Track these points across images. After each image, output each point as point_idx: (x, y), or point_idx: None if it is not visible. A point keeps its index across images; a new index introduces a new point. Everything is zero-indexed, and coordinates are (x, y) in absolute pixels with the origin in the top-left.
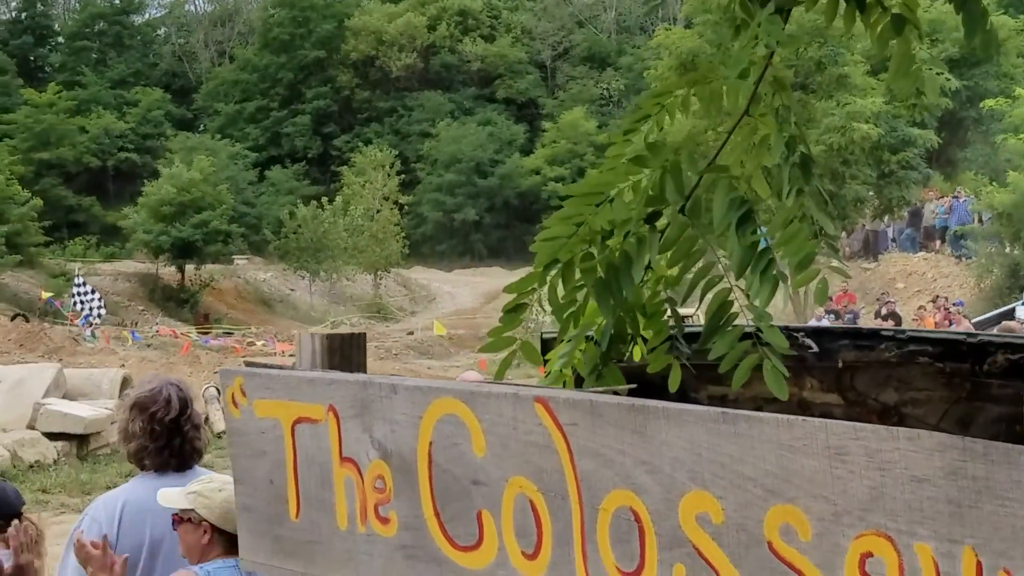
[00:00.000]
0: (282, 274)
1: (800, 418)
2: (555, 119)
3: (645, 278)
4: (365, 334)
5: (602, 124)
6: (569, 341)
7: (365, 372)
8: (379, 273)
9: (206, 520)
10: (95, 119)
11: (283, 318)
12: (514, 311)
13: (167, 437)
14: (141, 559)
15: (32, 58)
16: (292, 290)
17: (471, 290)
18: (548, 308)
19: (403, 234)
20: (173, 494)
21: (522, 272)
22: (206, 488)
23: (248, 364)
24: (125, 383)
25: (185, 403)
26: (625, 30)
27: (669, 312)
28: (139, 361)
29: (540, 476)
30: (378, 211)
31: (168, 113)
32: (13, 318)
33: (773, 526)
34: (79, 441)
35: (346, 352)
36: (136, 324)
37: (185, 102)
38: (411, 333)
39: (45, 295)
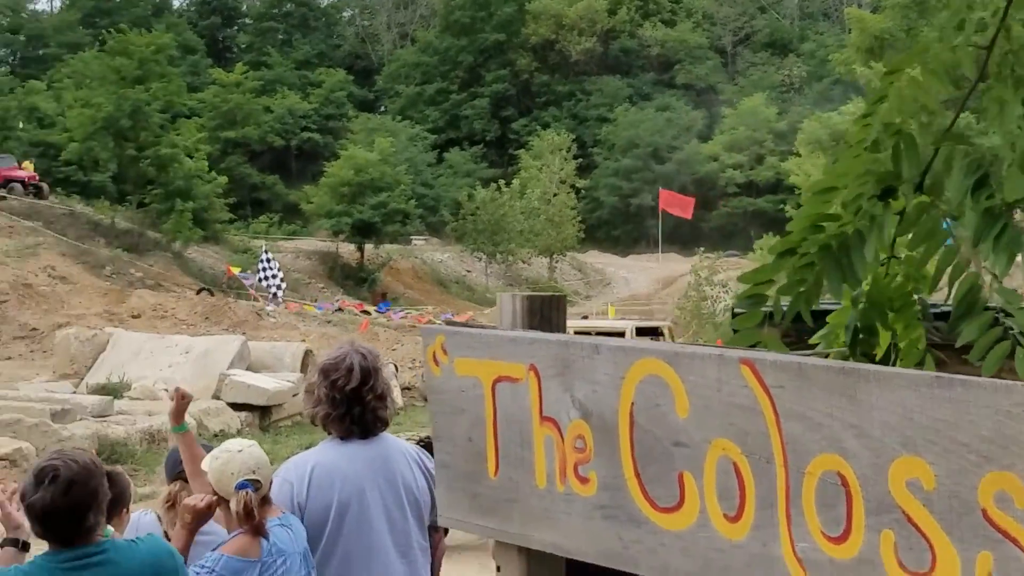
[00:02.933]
0: (459, 255)
1: (1020, 383)
2: (734, 105)
3: (887, 268)
4: (565, 296)
5: (782, 111)
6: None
7: (565, 333)
8: (554, 256)
9: (211, 485)
10: (280, 99)
11: (458, 299)
12: (753, 300)
13: (347, 405)
14: (329, 520)
15: (220, 39)
16: (468, 271)
17: (646, 275)
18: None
19: (579, 218)
20: (207, 457)
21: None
22: (214, 453)
23: (449, 323)
24: (307, 357)
25: (368, 372)
26: (808, 16)
27: (919, 305)
28: (320, 336)
29: (744, 439)
30: (555, 195)
31: (350, 94)
32: (199, 292)
33: (988, 493)
34: (261, 412)
35: (546, 313)
36: (316, 301)
37: (367, 83)
38: (585, 317)
39: (234, 269)
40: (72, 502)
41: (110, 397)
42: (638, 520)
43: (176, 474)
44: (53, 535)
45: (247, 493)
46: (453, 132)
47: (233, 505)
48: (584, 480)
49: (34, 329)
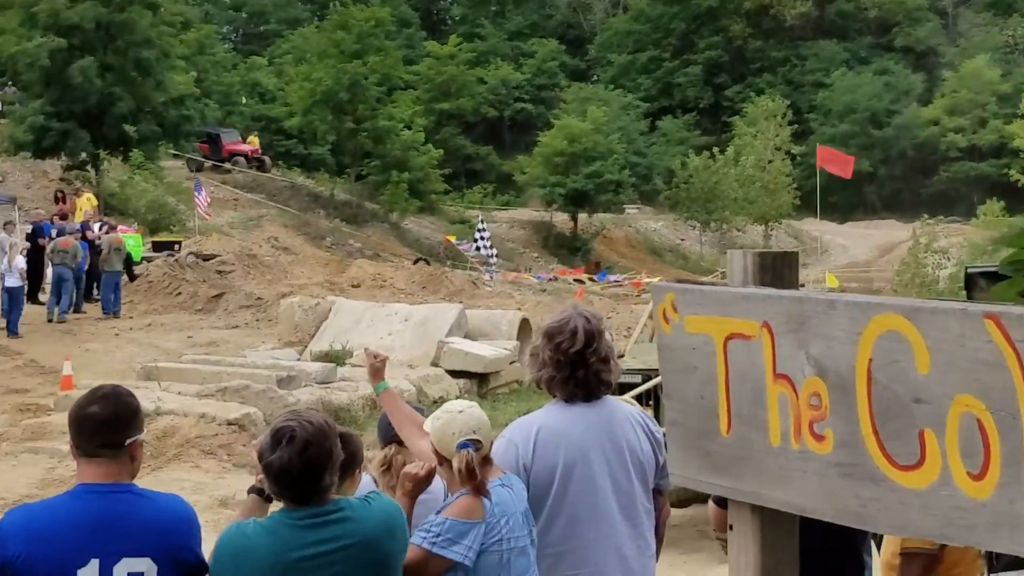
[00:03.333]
0: (672, 224)
1: None
2: (956, 68)
3: None
4: (797, 253)
5: (1006, 73)
6: None
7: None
8: (770, 224)
9: (433, 446)
10: (493, 70)
11: (672, 267)
12: (1017, 266)
13: (571, 368)
14: (554, 482)
15: (434, 11)
16: (682, 240)
17: (864, 243)
18: None
19: (794, 185)
20: (429, 418)
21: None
22: (436, 414)
23: (679, 281)
24: (523, 325)
25: (592, 335)
26: None
27: None
28: (535, 305)
29: (988, 394)
30: (769, 161)
31: (562, 64)
32: (415, 262)
33: None
34: (479, 379)
35: (778, 270)
36: (530, 270)
37: (579, 53)
38: (803, 285)
39: (450, 238)
40: (308, 462)
41: (333, 364)
42: (876, 478)
43: (389, 437)
44: (289, 494)
45: (469, 453)
46: (666, 100)
47: (455, 464)
48: (820, 438)
49: (259, 298)
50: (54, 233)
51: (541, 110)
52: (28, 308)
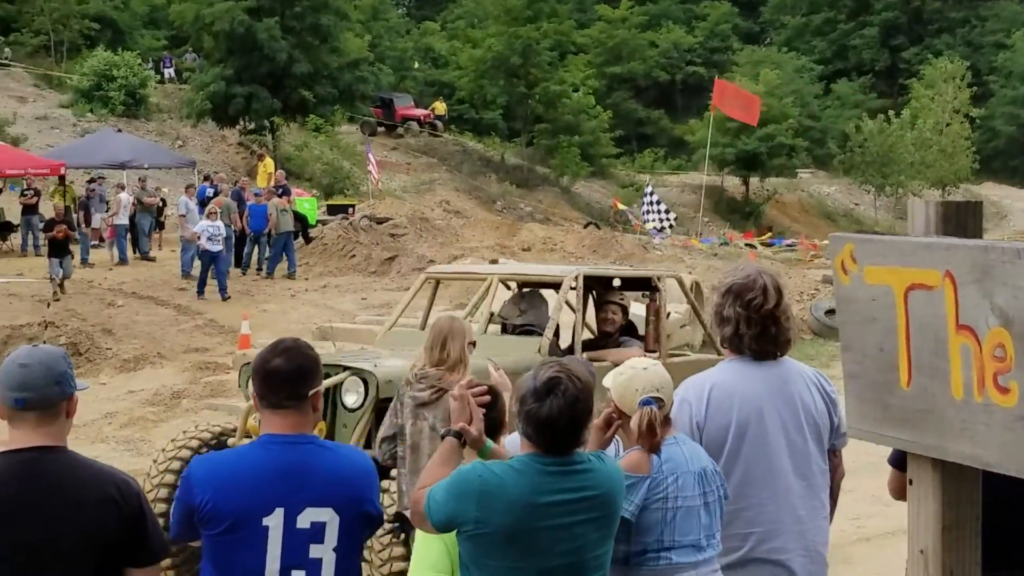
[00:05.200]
0: (847, 188)
1: None
2: None
3: None
4: (981, 203)
5: None
6: None
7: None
8: (947, 188)
9: (613, 401)
10: (665, 34)
11: (846, 233)
12: None
13: (761, 325)
14: (727, 441)
15: None
16: (856, 204)
17: None
18: None
19: (973, 148)
20: (610, 373)
21: None
22: (618, 370)
23: (859, 231)
24: (695, 289)
25: (780, 292)
26: None
27: None
28: (706, 269)
29: None
30: (947, 124)
31: (735, 27)
32: (586, 226)
33: None
34: None
35: (961, 220)
36: (701, 235)
37: (752, 15)
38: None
39: (620, 203)
40: (575, 416)
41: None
42: None
43: None
44: (548, 443)
45: (652, 410)
46: (840, 63)
47: (635, 421)
48: (1004, 390)
49: (431, 261)
50: (209, 193)
51: (713, 73)
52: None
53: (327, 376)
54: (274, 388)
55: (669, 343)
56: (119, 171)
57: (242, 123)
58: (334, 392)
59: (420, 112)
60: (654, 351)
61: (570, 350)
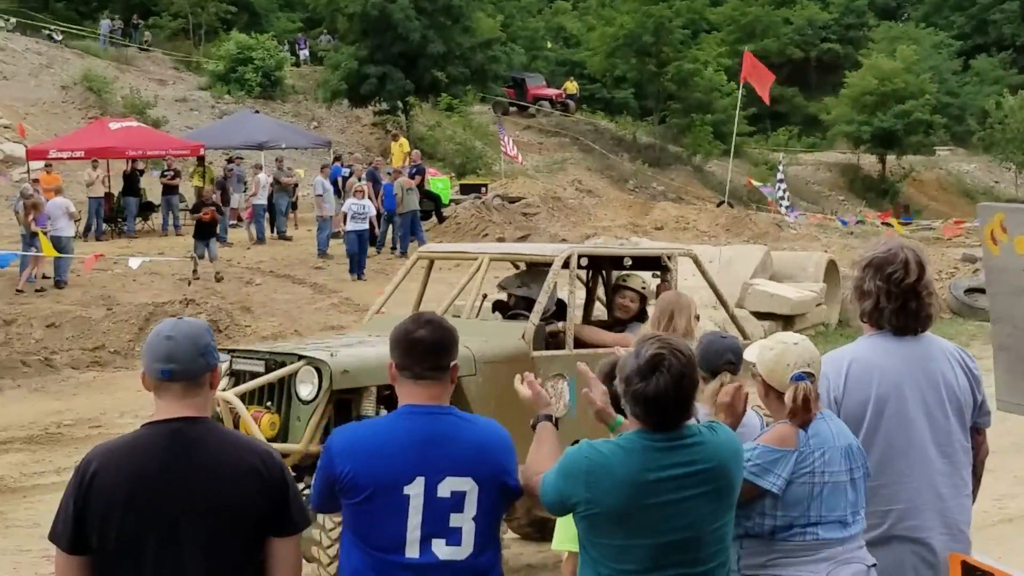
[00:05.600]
0: (986, 166)
1: None
2: None
3: None
4: None
5: None
6: None
7: None
8: None
9: (760, 375)
10: (799, 10)
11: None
12: None
13: (902, 299)
14: (866, 416)
15: None
16: (996, 182)
17: None
18: None
19: None
20: (753, 347)
21: None
22: (767, 344)
23: (1010, 201)
24: (830, 267)
25: (922, 267)
26: None
27: None
28: (841, 248)
29: None
30: None
31: (871, 2)
32: (719, 204)
33: None
34: (784, 321)
35: None
36: (835, 213)
37: None
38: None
39: (754, 181)
40: (682, 392)
41: None
42: None
43: (721, 365)
44: (656, 419)
45: (807, 385)
46: (980, 38)
47: (788, 396)
48: None
49: (563, 240)
50: (345, 173)
51: (849, 50)
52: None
53: (282, 365)
54: (417, 359)
55: (804, 322)
56: (256, 152)
57: (375, 103)
58: (288, 383)
59: (552, 92)
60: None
61: (555, 335)
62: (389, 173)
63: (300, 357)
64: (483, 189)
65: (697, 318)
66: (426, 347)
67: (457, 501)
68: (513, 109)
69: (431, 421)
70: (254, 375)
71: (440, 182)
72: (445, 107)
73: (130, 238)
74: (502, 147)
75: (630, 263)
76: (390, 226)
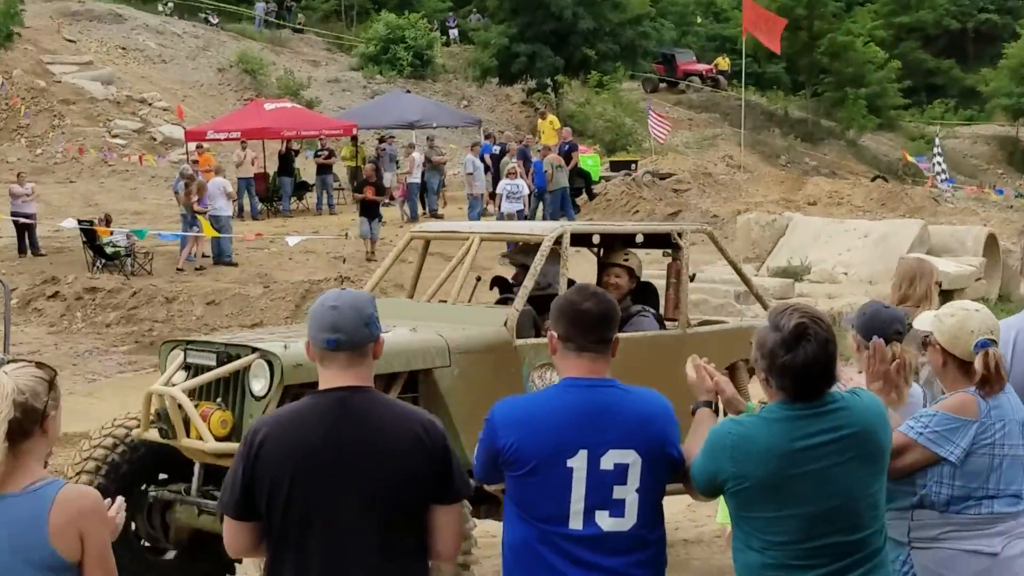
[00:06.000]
0: None
1: None
2: None
3: None
4: None
5: None
6: None
7: None
8: None
9: (939, 343)
10: None
11: None
12: None
13: None
14: None
15: None
16: None
17: None
18: None
19: None
20: (926, 317)
21: None
22: (945, 311)
23: None
24: (990, 241)
25: None
26: None
27: None
28: (1001, 221)
29: None
30: None
31: None
32: (873, 179)
33: None
34: (943, 296)
35: None
36: (995, 186)
37: None
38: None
39: (909, 155)
40: (829, 359)
41: (790, 280)
42: None
43: (890, 333)
44: (804, 389)
45: (996, 351)
46: None
47: (979, 362)
48: None
49: (715, 216)
50: (495, 151)
51: (1008, 20)
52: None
53: (235, 358)
54: (582, 331)
55: (962, 297)
56: (407, 131)
57: (525, 82)
58: (241, 377)
59: (702, 67)
60: (674, 319)
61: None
62: (539, 151)
63: (254, 350)
64: (633, 166)
65: (939, 284)
66: (592, 319)
67: (620, 473)
68: (663, 85)
69: (593, 394)
70: (208, 369)
71: (590, 159)
72: (595, 84)
73: (285, 217)
74: (650, 125)
75: (642, 240)
76: (540, 203)
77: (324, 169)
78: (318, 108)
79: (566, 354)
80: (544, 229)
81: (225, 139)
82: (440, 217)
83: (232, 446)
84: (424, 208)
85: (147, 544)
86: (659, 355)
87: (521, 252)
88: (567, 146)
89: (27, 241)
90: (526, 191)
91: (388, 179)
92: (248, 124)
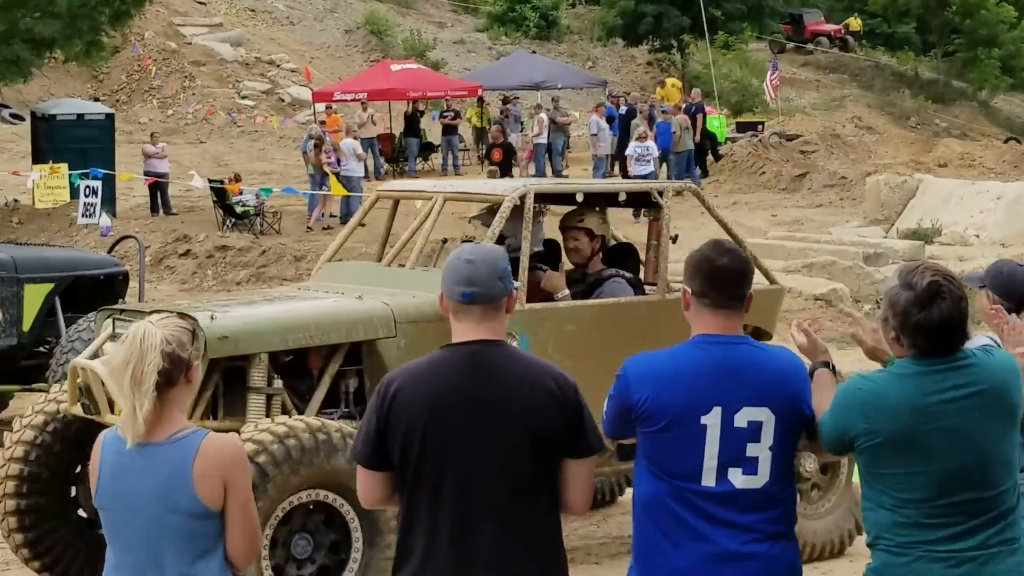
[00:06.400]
0: None
1: None
2: None
3: None
4: None
5: None
6: None
7: None
8: None
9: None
10: None
11: None
12: None
13: None
14: None
15: None
16: None
17: None
18: None
19: None
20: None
21: None
22: (998, 265)
23: None
24: None
25: None
26: None
27: None
28: None
29: None
30: None
31: None
32: (1006, 141)
33: None
34: None
35: None
36: None
37: None
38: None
39: None
40: (963, 316)
41: (920, 242)
42: None
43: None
44: (939, 346)
45: None
46: None
47: None
48: None
49: (843, 177)
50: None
51: None
52: None
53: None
54: (719, 287)
55: None
56: (532, 92)
57: (651, 42)
58: None
59: (831, 27)
60: (653, 283)
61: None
62: (664, 111)
63: None
64: (759, 127)
65: None
66: (729, 275)
67: (754, 431)
68: (790, 46)
69: (727, 350)
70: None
71: (716, 120)
72: (721, 45)
73: (411, 177)
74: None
75: (624, 199)
76: (664, 165)
77: (449, 130)
78: (443, 69)
79: (700, 310)
80: (506, 188)
81: (352, 100)
82: (565, 178)
83: None
84: (551, 168)
85: (84, 515)
86: (634, 322)
87: (491, 213)
88: (694, 107)
89: (159, 200)
90: (656, 153)
91: (513, 140)
92: (374, 85)
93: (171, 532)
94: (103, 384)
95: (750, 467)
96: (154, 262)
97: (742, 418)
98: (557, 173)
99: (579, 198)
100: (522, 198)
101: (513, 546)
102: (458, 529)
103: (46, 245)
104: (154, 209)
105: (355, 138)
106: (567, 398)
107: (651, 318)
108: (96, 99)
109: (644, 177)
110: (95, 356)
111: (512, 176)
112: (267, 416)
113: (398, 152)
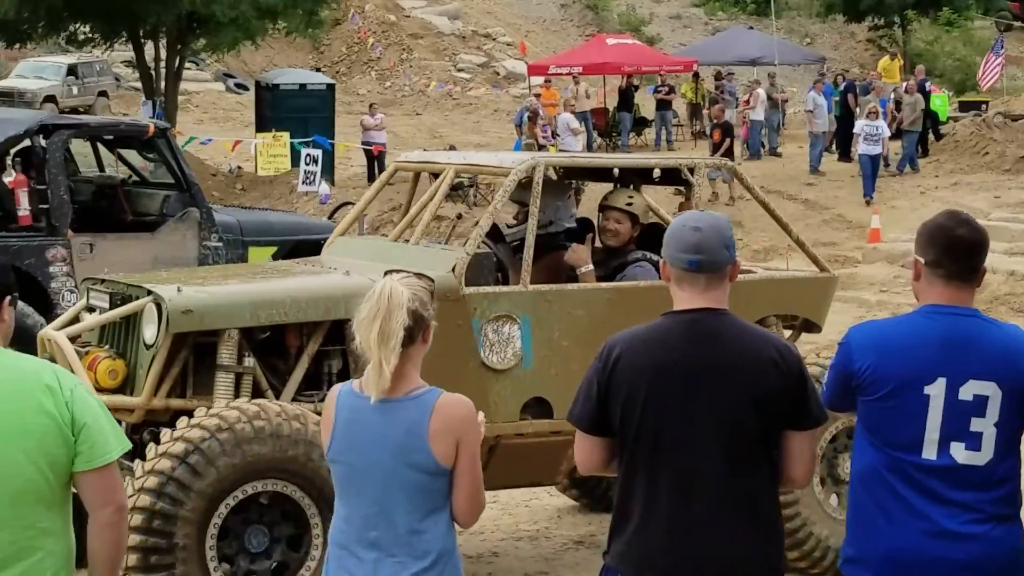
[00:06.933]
0: None
1: None
2: None
3: None
4: None
5: None
6: None
7: None
8: None
9: None
10: None
11: None
12: None
13: None
14: None
15: None
16: None
17: None
18: None
19: None
20: None
21: None
22: None
23: None
24: None
25: None
26: None
27: None
28: None
29: None
30: None
31: None
32: None
33: None
34: None
35: None
36: None
37: None
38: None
39: None
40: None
41: None
42: None
43: None
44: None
45: None
46: None
47: None
48: None
49: None
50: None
51: None
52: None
53: (130, 300)
54: (955, 258)
55: None
56: (748, 68)
57: (872, 19)
58: (135, 322)
59: None
60: None
61: (502, 270)
62: (895, 89)
63: (150, 292)
64: (983, 107)
65: None
66: (967, 247)
67: (979, 405)
68: (1018, 24)
69: (956, 322)
70: (104, 311)
71: (938, 99)
72: (944, 22)
73: (624, 152)
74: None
75: (659, 175)
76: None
77: (663, 105)
78: (659, 44)
79: (932, 280)
80: (514, 161)
81: (567, 74)
82: (780, 155)
83: (119, 399)
84: (765, 145)
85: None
86: (651, 308)
87: (523, 188)
88: (919, 85)
89: (376, 170)
90: (887, 133)
91: (728, 116)
92: (589, 59)
93: (404, 487)
94: (66, 356)
95: (973, 442)
96: (371, 230)
97: (967, 391)
98: (773, 151)
99: (616, 173)
100: (530, 171)
101: (732, 519)
102: (676, 500)
103: (269, 210)
104: (371, 178)
105: (572, 112)
106: (791, 368)
107: (670, 304)
108: (317, 70)
109: (871, 157)
110: (74, 322)
111: (732, 157)
112: (236, 396)
113: (612, 126)
